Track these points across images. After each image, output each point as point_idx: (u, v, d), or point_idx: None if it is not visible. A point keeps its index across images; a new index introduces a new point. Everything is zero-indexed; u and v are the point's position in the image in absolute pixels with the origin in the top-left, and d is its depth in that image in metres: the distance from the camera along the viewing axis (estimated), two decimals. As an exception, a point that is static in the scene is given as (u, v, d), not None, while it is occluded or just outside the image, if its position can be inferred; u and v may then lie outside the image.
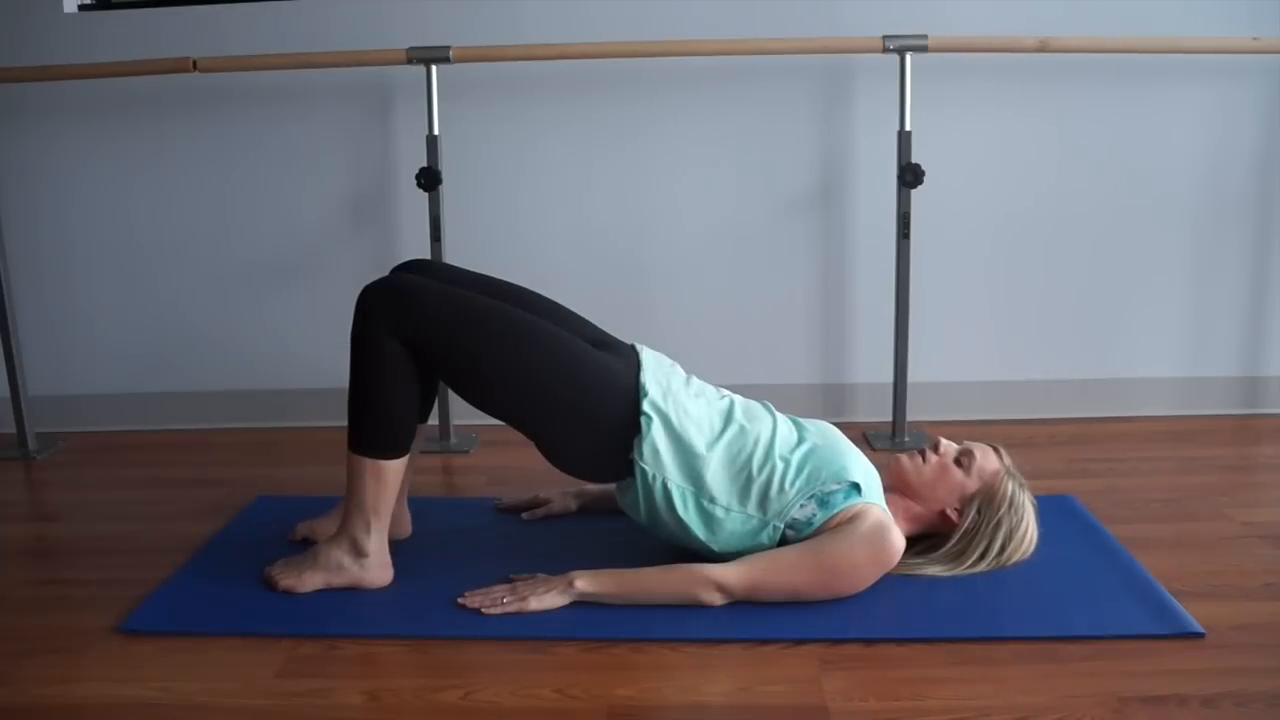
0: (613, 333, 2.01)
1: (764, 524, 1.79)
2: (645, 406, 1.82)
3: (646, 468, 1.81)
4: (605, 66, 2.71)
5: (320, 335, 2.88)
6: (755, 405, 1.96)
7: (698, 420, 1.85)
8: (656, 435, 1.81)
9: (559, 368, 1.81)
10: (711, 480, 1.81)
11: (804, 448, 1.85)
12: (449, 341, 1.78)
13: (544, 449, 1.88)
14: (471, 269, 2.04)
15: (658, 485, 1.81)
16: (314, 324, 2.89)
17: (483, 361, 1.80)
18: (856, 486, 1.78)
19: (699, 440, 1.83)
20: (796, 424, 1.94)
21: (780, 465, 1.81)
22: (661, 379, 1.88)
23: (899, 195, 2.57)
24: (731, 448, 1.84)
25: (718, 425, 1.87)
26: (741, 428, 1.86)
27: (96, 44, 2.74)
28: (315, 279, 2.88)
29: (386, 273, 1.96)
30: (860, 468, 1.83)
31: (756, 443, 1.84)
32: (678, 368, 1.97)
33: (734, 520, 1.80)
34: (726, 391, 1.98)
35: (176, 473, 2.59)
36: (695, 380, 1.96)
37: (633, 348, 1.96)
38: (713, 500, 1.81)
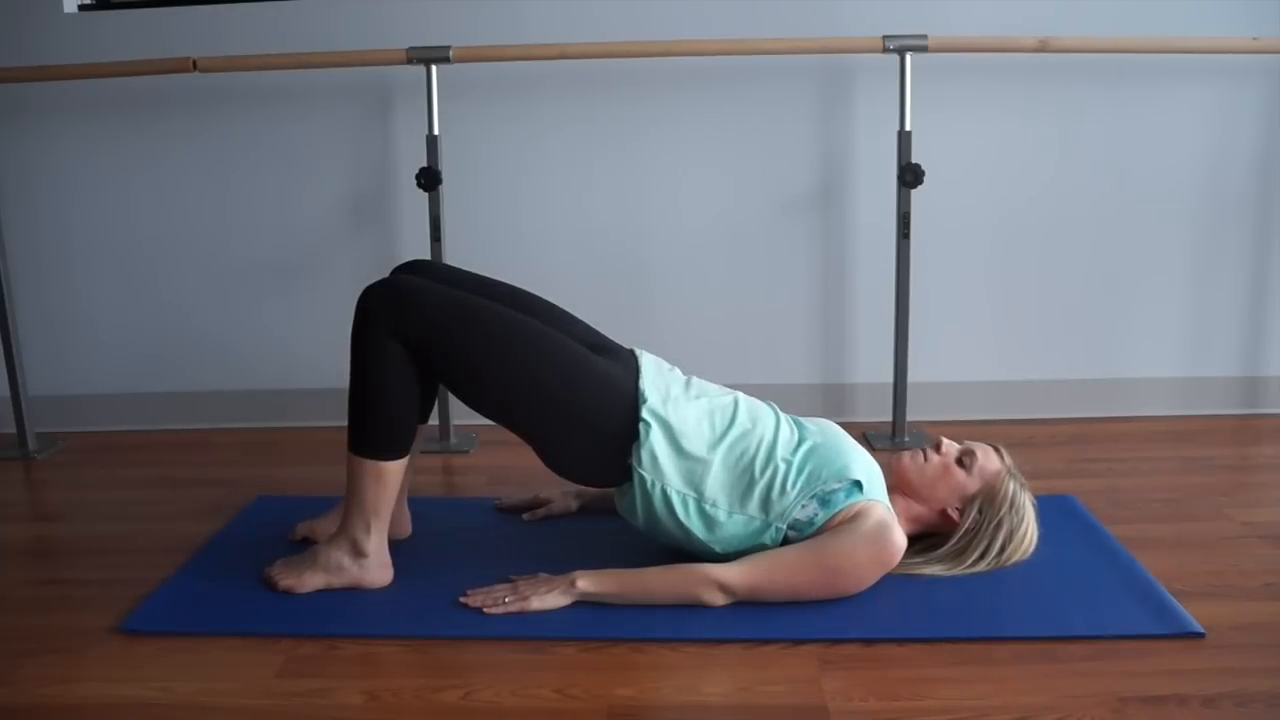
0: (613, 332, 2.01)
1: (766, 525, 1.79)
2: (644, 413, 1.82)
3: (645, 474, 1.81)
4: (605, 66, 2.71)
5: (320, 335, 2.88)
6: (760, 405, 1.95)
7: (698, 423, 1.85)
8: (655, 442, 1.81)
9: (558, 372, 1.81)
10: (712, 484, 1.80)
11: (805, 447, 1.84)
12: (448, 343, 1.78)
13: (541, 453, 1.88)
14: (471, 269, 2.04)
15: (656, 492, 1.81)
16: (314, 324, 2.89)
17: (481, 364, 1.79)
18: (858, 484, 1.78)
19: (699, 444, 1.82)
20: (797, 424, 1.93)
21: (782, 467, 1.80)
22: (661, 385, 1.88)
23: (899, 195, 2.57)
24: (734, 449, 1.83)
25: (719, 425, 1.86)
26: (746, 429, 1.86)
27: (96, 44, 2.74)
28: (315, 279, 2.88)
29: (387, 273, 1.96)
30: (862, 465, 1.83)
31: (760, 445, 1.83)
32: (676, 371, 1.97)
33: (736, 523, 1.80)
34: (730, 390, 1.97)
35: (176, 473, 2.59)
36: (696, 381, 1.95)
37: (632, 353, 1.95)
38: (714, 504, 1.80)
